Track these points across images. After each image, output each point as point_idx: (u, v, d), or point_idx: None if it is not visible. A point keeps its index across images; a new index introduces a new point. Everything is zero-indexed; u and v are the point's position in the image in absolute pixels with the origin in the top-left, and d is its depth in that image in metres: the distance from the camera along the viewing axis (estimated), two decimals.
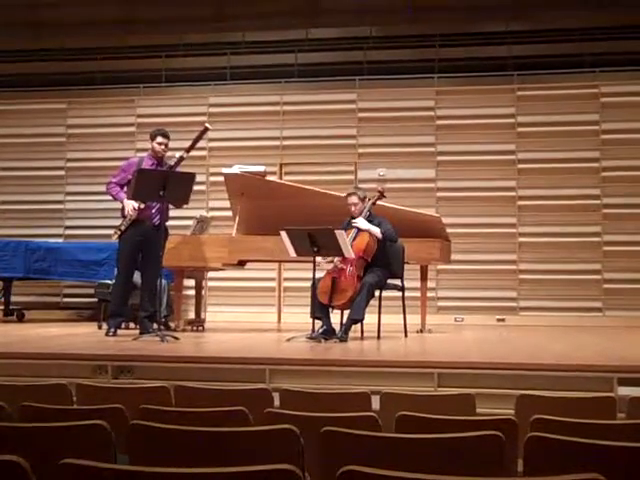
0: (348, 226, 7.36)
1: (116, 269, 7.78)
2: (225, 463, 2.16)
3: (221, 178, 9.02)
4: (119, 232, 7.34)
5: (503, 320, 10.65)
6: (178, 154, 7.43)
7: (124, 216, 7.36)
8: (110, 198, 7.67)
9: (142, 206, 7.27)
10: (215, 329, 9.02)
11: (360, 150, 11.35)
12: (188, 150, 7.47)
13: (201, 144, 11.27)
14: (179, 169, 7.42)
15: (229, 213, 8.80)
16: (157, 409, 3.29)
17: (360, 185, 9.39)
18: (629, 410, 3.87)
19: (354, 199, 7.44)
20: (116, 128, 11.79)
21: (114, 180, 7.53)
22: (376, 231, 7.29)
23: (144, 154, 7.77)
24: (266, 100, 11.56)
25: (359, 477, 2.01)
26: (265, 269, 10.85)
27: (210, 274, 10.20)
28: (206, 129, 7.57)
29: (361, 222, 7.32)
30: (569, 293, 10.67)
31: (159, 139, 7.49)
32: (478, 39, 11.35)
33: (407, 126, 11.21)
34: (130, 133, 11.76)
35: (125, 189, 7.42)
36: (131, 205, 7.27)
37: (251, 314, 10.82)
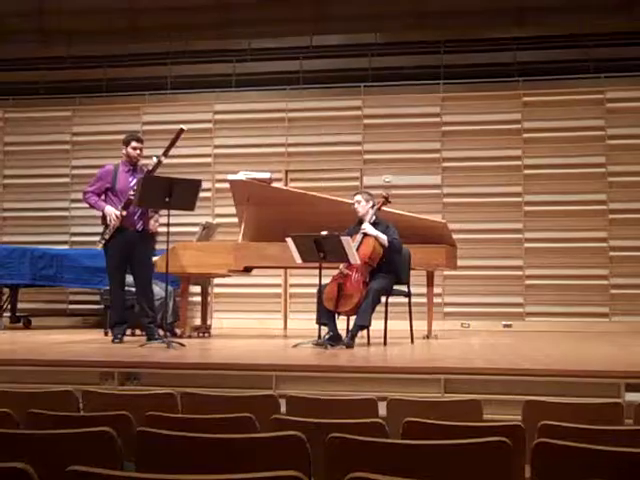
0: (354, 232, 7.36)
1: (108, 279, 7.73)
2: (231, 470, 2.15)
3: (227, 185, 9.02)
4: (104, 241, 7.32)
5: (510, 326, 10.63)
6: (155, 158, 7.37)
7: (106, 224, 7.33)
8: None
9: (124, 213, 7.24)
10: (221, 335, 9.02)
11: (366, 156, 11.35)
12: (165, 153, 7.40)
13: (206, 151, 11.41)
14: (173, 174, 7.41)
15: (235, 220, 8.80)
16: (163, 416, 3.29)
17: (369, 191, 9.39)
18: (636, 416, 3.85)
19: (358, 197, 7.51)
20: (122, 135, 11.65)
21: (90, 189, 7.45)
22: (383, 238, 7.30)
23: (117, 161, 7.68)
24: (271, 107, 11.57)
25: None
26: (271, 275, 10.85)
27: (216, 280, 10.21)
28: (182, 130, 7.49)
29: (369, 228, 7.32)
30: (575, 298, 10.65)
31: (133, 144, 7.44)
32: (483, 45, 11.35)
33: (413, 132, 11.21)
34: None
35: (103, 197, 7.39)
36: (114, 213, 7.24)
37: (257, 320, 10.81)
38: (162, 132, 10.49)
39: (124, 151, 7.48)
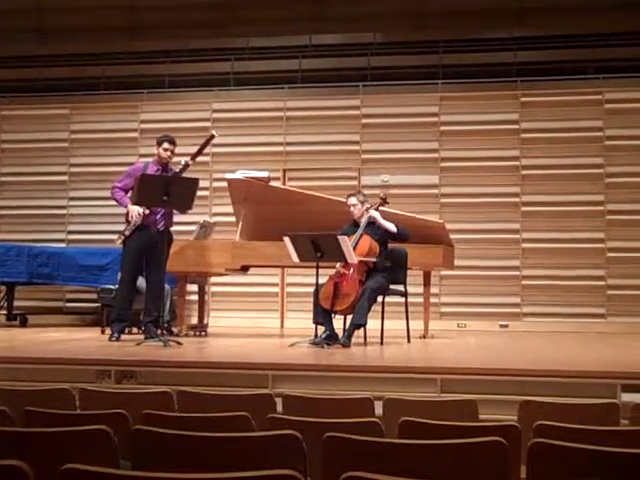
0: (350, 232, 7.36)
1: (120, 274, 7.78)
2: (228, 469, 2.15)
3: (224, 183, 9.02)
4: (123, 237, 7.34)
5: (506, 326, 10.63)
6: (184, 160, 7.44)
7: (128, 221, 7.35)
8: (113, 203, 7.67)
9: (147, 212, 7.26)
10: (218, 334, 9.02)
11: (364, 156, 11.35)
12: (194, 157, 7.49)
13: (205, 149, 11.37)
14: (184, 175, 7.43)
15: (232, 218, 8.80)
16: (160, 414, 3.29)
17: (364, 191, 9.38)
18: (632, 417, 3.86)
19: (353, 200, 7.48)
20: (120, 134, 11.81)
21: (118, 185, 7.51)
22: (390, 226, 7.32)
23: (149, 159, 7.76)
24: (270, 106, 11.57)
25: None
26: (268, 274, 10.85)
27: (213, 279, 10.20)
28: (212, 136, 7.56)
29: (377, 215, 7.35)
30: (572, 299, 10.66)
31: (165, 145, 7.48)
32: (482, 45, 11.36)
33: (411, 132, 11.21)
34: (133, 139, 11.77)
35: (129, 194, 7.42)
36: (136, 211, 7.25)
37: (254, 319, 10.81)
38: (160, 130, 10.45)
39: (155, 151, 7.53)
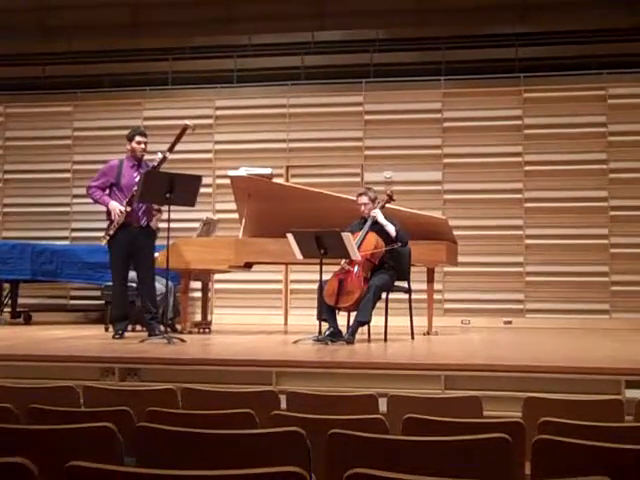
0: (357, 228, 7.36)
1: (111, 274, 7.73)
2: (232, 465, 2.16)
3: (228, 180, 9.02)
4: (108, 237, 7.32)
5: (510, 322, 10.62)
6: (160, 154, 7.36)
7: (110, 220, 7.32)
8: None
9: (129, 209, 7.23)
10: (222, 331, 9.02)
11: (366, 152, 11.33)
12: (170, 149, 7.39)
13: (207, 146, 11.40)
14: (174, 170, 7.39)
15: (235, 215, 8.81)
16: (164, 411, 3.29)
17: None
18: (637, 413, 3.86)
19: (364, 199, 7.46)
20: (123, 131, 11.61)
21: (95, 184, 7.45)
22: (391, 229, 7.32)
23: (122, 156, 7.66)
24: (273, 102, 11.56)
25: None
26: (272, 271, 10.84)
27: (217, 276, 10.21)
28: (186, 127, 7.47)
29: (379, 215, 7.34)
30: (576, 295, 10.64)
31: (138, 138, 7.43)
32: (485, 41, 11.34)
33: (414, 128, 11.19)
34: None
35: (107, 192, 7.39)
36: (118, 209, 7.23)
37: (258, 316, 10.81)
38: (163, 127, 10.50)
39: (128, 146, 7.48)
